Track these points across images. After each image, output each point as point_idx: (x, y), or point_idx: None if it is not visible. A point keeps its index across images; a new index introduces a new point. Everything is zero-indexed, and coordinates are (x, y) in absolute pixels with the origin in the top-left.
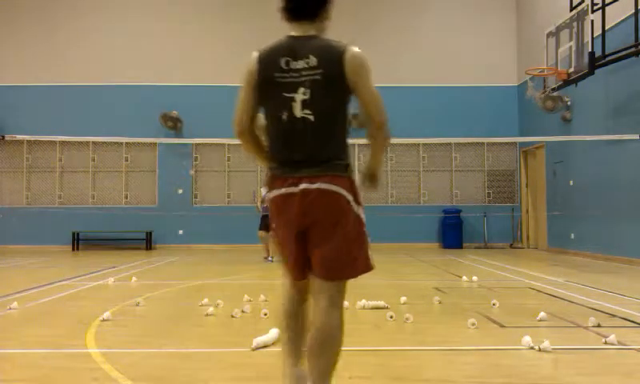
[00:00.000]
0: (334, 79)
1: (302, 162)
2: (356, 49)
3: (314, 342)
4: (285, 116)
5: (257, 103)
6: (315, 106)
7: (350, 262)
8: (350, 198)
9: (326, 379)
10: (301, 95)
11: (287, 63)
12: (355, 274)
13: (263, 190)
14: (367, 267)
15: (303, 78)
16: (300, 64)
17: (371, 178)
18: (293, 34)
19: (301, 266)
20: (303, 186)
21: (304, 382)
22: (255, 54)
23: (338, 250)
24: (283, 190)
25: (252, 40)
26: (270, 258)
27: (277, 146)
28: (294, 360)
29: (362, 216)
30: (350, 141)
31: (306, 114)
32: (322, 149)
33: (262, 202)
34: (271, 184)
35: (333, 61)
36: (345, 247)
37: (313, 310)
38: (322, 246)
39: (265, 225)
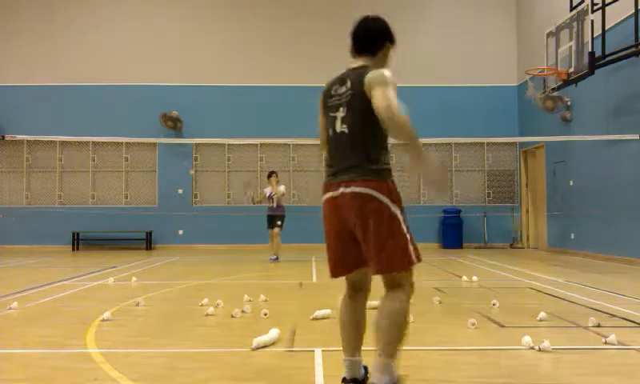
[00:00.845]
0: (360, 96)
1: (340, 169)
2: (380, 70)
3: (376, 321)
4: (331, 132)
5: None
6: (349, 122)
7: (389, 257)
8: (383, 198)
9: (388, 348)
10: (341, 113)
11: (335, 90)
12: (396, 267)
13: (267, 191)
14: (408, 262)
15: (342, 100)
16: (341, 89)
17: (428, 181)
18: (351, 65)
19: (338, 263)
20: (341, 190)
21: (358, 366)
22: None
23: (375, 247)
24: (328, 195)
25: (252, 40)
26: (272, 258)
27: (326, 157)
28: (350, 350)
29: (399, 215)
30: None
31: (343, 129)
32: (356, 157)
33: (267, 200)
34: (323, 190)
35: (359, 81)
36: (379, 245)
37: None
38: (363, 244)
39: (270, 223)
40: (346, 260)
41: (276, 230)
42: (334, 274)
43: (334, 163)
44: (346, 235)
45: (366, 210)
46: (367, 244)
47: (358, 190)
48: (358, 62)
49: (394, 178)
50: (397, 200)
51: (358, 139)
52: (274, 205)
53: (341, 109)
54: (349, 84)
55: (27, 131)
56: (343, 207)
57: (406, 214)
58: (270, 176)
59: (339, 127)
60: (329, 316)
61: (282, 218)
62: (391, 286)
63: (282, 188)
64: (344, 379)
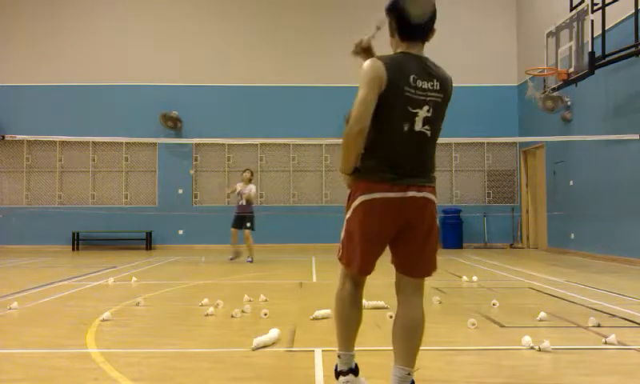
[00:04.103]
0: (446, 104)
1: (411, 171)
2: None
3: (406, 329)
4: (406, 128)
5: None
6: (432, 124)
7: (435, 261)
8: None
9: (415, 360)
10: (424, 112)
11: (415, 80)
12: (435, 271)
13: (238, 186)
14: (437, 266)
15: (428, 98)
16: (426, 85)
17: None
18: (410, 51)
19: (371, 261)
20: (410, 193)
21: (353, 359)
22: (379, 63)
23: (431, 252)
24: (391, 195)
25: (252, 40)
26: (230, 257)
27: (389, 153)
28: (351, 344)
29: None
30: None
31: (425, 130)
32: (429, 162)
33: (237, 196)
34: (371, 187)
35: (447, 88)
36: (434, 249)
37: (402, 303)
38: (420, 248)
39: (237, 223)
40: (376, 259)
41: (247, 232)
42: (366, 271)
43: (404, 162)
44: (391, 236)
45: (432, 216)
46: (422, 248)
47: (429, 196)
48: (414, 48)
49: None
50: None
51: (434, 145)
52: (243, 202)
53: (425, 107)
54: (437, 85)
55: (27, 131)
56: (410, 210)
57: None
58: (244, 172)
59: (419, 126)
60: (329, 316)
61: (251, 218)
62: (419, 289)
63: (252, 187)
64: (340, 372)
